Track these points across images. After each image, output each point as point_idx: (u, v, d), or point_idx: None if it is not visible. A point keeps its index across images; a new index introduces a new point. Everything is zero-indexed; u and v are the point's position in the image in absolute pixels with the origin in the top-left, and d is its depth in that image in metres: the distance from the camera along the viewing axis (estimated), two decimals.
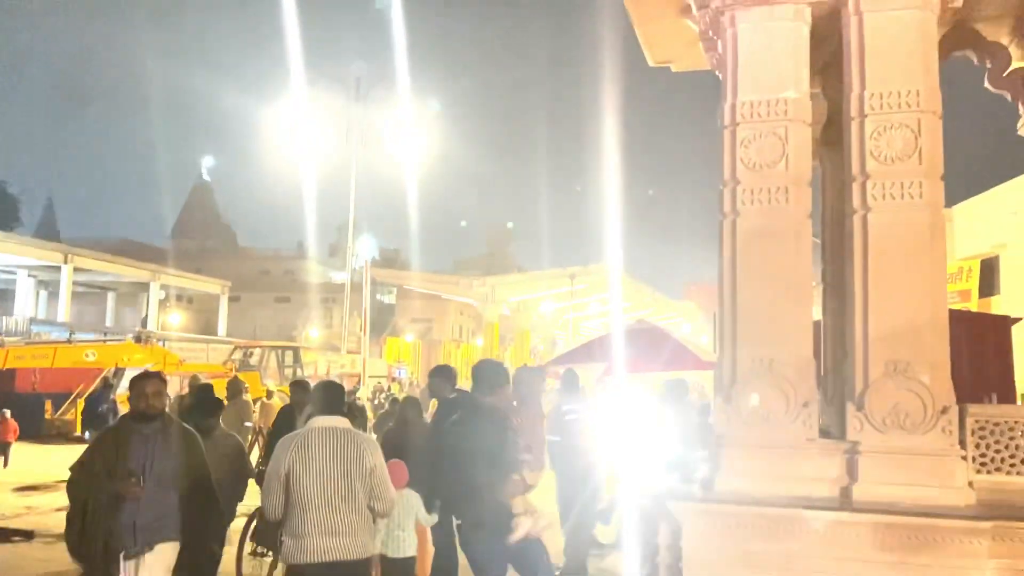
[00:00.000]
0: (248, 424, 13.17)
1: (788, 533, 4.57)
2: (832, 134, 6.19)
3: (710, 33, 5.75)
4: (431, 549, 6.67)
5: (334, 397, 4.97)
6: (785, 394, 4.89)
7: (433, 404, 9.85)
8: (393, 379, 35.17)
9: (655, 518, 5.12)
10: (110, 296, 49.19)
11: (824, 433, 5.20)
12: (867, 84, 4.97)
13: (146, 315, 44.15)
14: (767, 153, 5.07)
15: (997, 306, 16.24)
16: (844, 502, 4.62)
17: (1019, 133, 7.67)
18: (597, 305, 37.98)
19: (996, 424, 4.78)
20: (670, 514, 4.88)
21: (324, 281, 67.01)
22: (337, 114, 25.97)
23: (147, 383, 4.95)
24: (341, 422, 4.78)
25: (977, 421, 4.77)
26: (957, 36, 6.24)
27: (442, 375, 7.48)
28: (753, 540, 4.63)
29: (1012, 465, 4.72)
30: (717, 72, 6.56)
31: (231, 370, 25.08)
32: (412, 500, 6.23)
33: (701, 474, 5.24)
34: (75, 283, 39.19)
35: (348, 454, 4.63)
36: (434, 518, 6.32)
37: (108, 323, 46.62)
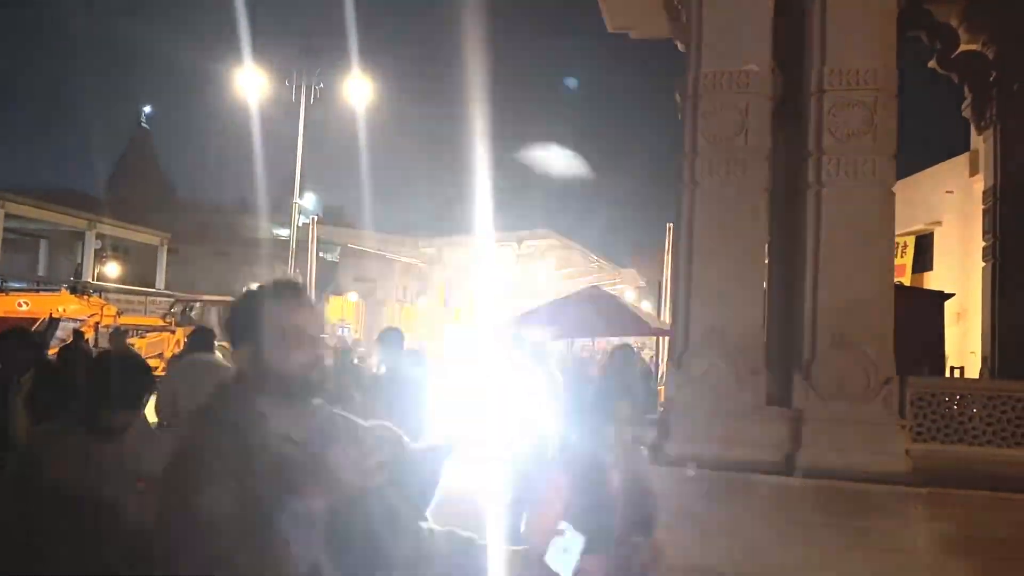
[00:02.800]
0: None
1: (735, 496, 4.73)
2: (786, 109, 6.29)
3: (675, 2, 5.78)
4: None
5: (204, 339, 6.96)
6: (735, 362, 5.02)
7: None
8: (336, 338, 34.89)
9: None
10: (43, 244, 47.59)
11: (768, 400, 5.36)
12: (827, 60, 5.07)
13: (79, 264, 42.83)
14: (727, 125, 5.14)
15: (929, 282, 16.76)
16: (788, 467, 4.79)
17: (963, 114, 7.90)
18: (544, 270, 38.08)
19: (933, 395, 5.00)
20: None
21: (266, 236, 65.90)
22: (283, 67, 25.38)
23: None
24: (208, 356, 6.60)
25: (916, 392, 4.98)
26: (909, 16, 6.38)
27: (391, 339, 7.88)
28: (701, 503, 4.77)
29: (947, 435, 4.94)
30: (677, 42, 6.61)
31: (171, 324, 24.64)
32: None
33: (651, 438, 5.36)
34: (5, 229, 37.79)
35: (213, 377, 5.86)
36: None
37: (41, 272, 45.19)
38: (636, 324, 10.83)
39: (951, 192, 16.56)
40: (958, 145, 16.00)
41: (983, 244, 7.23)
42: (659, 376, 13.61)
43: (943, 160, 17.42)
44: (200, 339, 7.04)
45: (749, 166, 5.11)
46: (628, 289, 40.62)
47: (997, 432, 4.91)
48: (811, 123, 5.08)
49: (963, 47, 7.28)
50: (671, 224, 21.39)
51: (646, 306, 26.56)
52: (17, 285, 27.29)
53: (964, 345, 10.87)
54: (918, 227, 17.70)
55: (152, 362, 22.13)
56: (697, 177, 5.17)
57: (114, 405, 2.71)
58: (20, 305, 21.18)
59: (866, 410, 4.76)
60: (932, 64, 7.58)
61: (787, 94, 6.13)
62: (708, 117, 5.17)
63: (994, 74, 7.12)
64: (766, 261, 5.57)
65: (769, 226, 5.74)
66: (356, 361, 12.79)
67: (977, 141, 10.53)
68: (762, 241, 5.23)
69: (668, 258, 19.03)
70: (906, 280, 17.23)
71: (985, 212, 7.21)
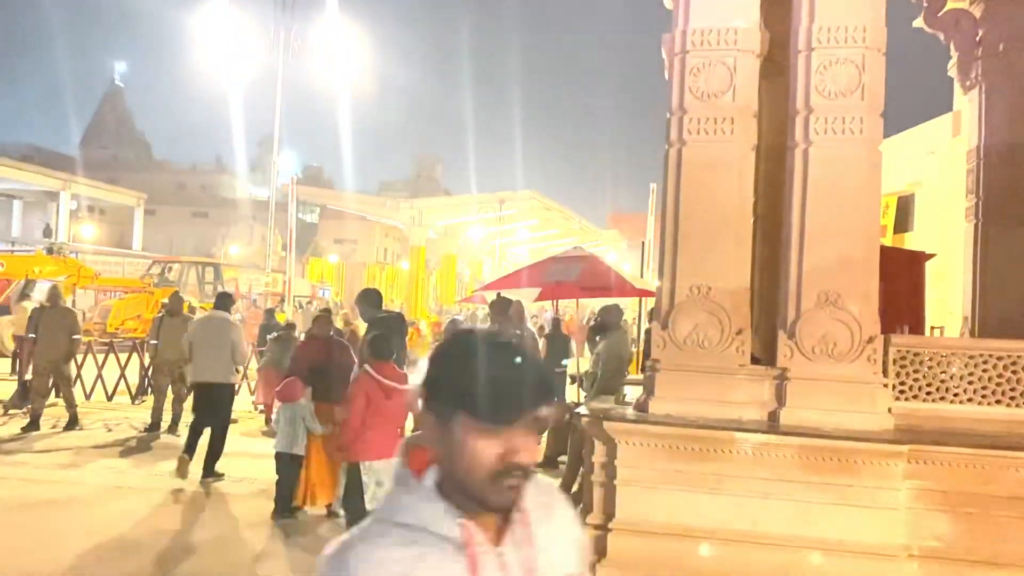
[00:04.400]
0: (76, 337, 11.11)
1: (718, 454, 4.76)
2: (771, 67, 6.23)
3: None
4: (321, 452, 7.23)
5: (224, 302, 9.51)
6: (720, 321, 5.02)
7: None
8: (315, 299, 34.82)
9: (590, 438, 5.26)
10: (16, 204, 46.85)
11: (752, 359, 5.37)
12: (816, 17, 5.00)
13: (49, 224, 42.17)
14: (715, 83, 5.08)
15: (910, 242, 16.84)
16: (772, 425, 4.81)
17: (949, 73, 7.87)
18: (526, 232, 38.01)
19: (916, 354, 5.02)
20: (605, 434, 5.01)
21: (244, 197, 65.20)
22: (262, 23, 24.89)
23: None
24: (222, 314, 9.17)
25: (899, 351, 5.00)
26: None
27: (368, 299, 8.12)
28: (685, 460, 4.81)
29: (928, 393, 4.98)
30: None
31: (149, 285, 24.43)
32: (302, 411, 7.14)
33: (636, 397, 5.38)
34: None
35: (220, 329, 8.90)
36: (318, 427, 7.12)
37: (15, 233, 44.55)
38: (620, 285, 10.82)
39: (933, 153, 16.58)
40: (939, 106, 15.98)
41: (966, 205, 7.25)
42: (639, 336, 13.65)
43: (924, 121, 17.42)
44: (223, 301, 9.53)
45: (737, 124, 5.06)
46: (609, 251, 40.66)
47: (978, 390, 4.96)
48: (799, 81, 5.03)
49: (950, 5, 7.23)
50: (655, 185, 21.30)
51: (627, 268, 26.59)
52: None
53: (944, 305, 10.97)
54: (899, 188, 17.75)
55: (130, 324, 21.97)
56: (684, 136, 5.12)
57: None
58: None
59: (850, 369, 4.79)
60: (918, 22, 7.54)
61: (769, 51, 6.07)
62: (696, 74, 5.10)
63: (981, 33, 7.08)
64: (752, 220, 5.55)
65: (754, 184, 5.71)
66: (342, 325, 12.80)
67: (961, 101, 10.51)
68: (748, 199, 5.20)
69: (652, 219, 19.00)
70: (887, 241, 17.29)
71: (968, 172, 7.21)
